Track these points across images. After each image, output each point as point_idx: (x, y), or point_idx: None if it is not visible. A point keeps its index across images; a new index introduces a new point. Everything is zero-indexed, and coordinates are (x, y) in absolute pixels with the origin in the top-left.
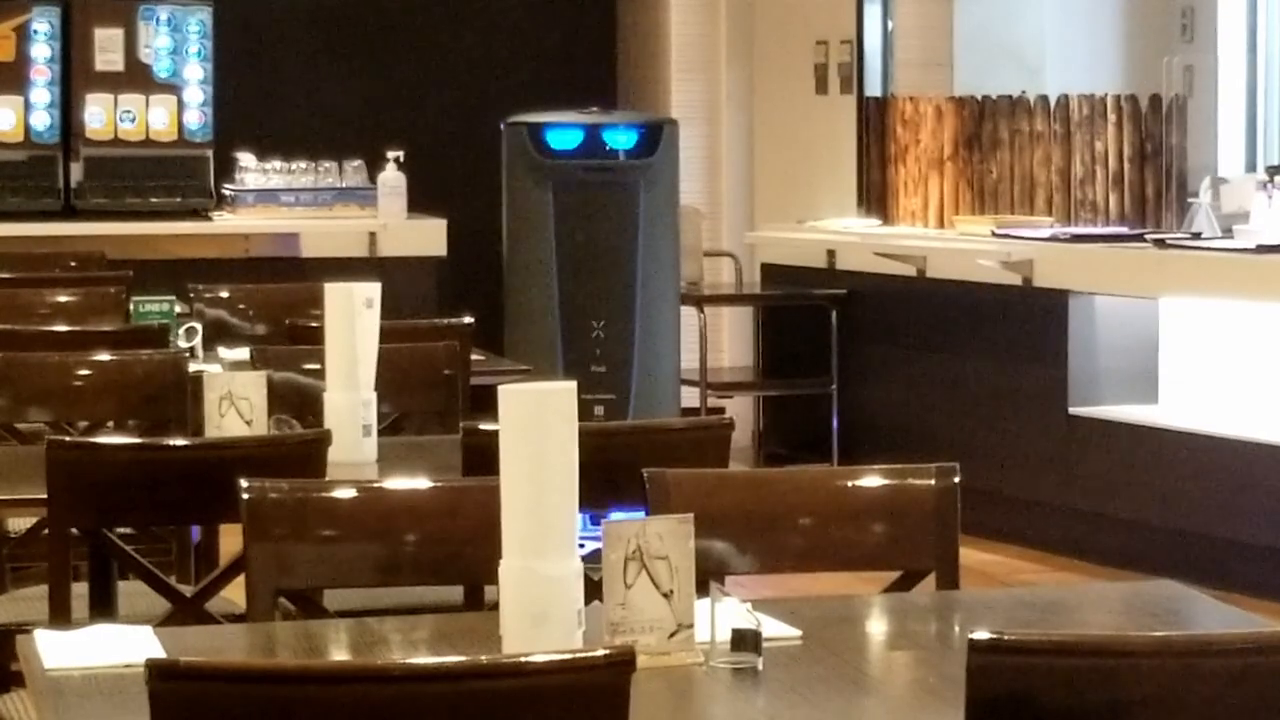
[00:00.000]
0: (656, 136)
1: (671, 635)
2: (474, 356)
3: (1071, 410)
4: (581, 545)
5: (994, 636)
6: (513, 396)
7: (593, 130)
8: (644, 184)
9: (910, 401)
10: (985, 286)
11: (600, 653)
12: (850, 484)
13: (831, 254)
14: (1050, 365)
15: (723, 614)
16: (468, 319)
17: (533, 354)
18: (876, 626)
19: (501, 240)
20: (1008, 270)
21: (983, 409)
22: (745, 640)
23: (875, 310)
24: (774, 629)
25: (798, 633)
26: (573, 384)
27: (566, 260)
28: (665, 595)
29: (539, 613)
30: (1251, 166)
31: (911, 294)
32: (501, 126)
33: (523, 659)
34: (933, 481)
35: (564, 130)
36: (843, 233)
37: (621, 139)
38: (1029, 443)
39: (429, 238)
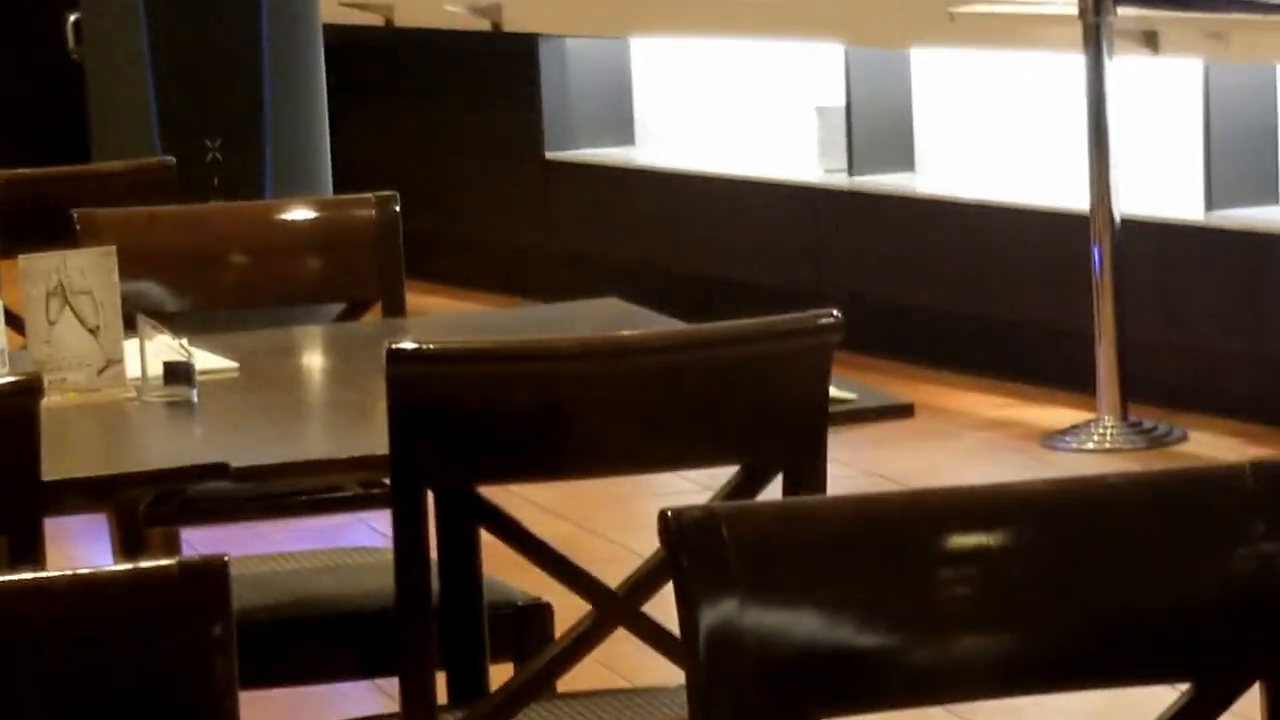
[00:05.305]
0: None
1: (101, 371)
2: None
3: (547, 155)
4: None
5: (414, 347)
6: None
7: None
8: None
9: (386, 152)
10: (455, 34)
11: (4, 381)
12: (285, 217)
13: None
14: (524, 110)
15: (154, 349)
16: None
17: None
18: (315, 356)
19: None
20: (476, 16)
21: (459, 157)
22: (178, 373)
23: (345, 63)
24: (208, 362)
25: (234, 365)
26: None
27: (165, 55)
28: (92, 331)
29: None
30: None
31: (381, 44)
32: None
33: None
34: (373, 212)
35: None
36: None
37: None
38: (506, 189)
39: None
